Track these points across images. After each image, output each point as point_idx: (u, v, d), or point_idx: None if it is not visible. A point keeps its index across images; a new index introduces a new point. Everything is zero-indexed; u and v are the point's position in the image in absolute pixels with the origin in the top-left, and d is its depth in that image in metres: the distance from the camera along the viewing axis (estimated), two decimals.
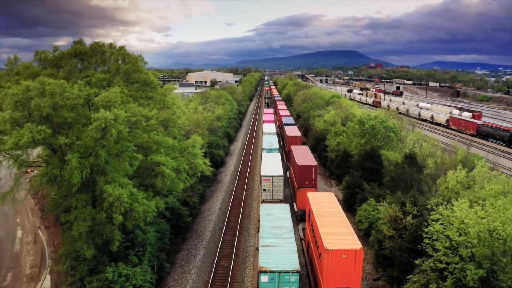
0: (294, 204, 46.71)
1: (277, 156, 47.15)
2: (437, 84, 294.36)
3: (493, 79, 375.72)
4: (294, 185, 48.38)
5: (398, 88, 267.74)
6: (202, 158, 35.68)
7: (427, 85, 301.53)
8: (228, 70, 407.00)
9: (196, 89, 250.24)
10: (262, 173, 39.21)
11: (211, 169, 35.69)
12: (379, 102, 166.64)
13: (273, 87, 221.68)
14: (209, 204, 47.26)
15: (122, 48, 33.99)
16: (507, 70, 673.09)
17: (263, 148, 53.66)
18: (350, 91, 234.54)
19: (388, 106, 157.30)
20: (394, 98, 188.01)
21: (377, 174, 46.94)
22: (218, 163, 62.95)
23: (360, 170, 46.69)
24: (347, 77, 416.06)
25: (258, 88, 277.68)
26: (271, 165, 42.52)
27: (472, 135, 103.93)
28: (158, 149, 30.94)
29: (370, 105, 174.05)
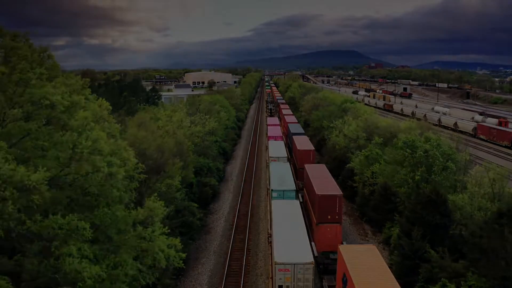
0: (313, 244, 31.05)
1: (296, 209, 29.84)
2: (445, 85, 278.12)
3: (496, 79, 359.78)
4: (312, 219, 33.89)
5: (405, 89, 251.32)
6: (169, 237, 19.17)
7: (435, 86, 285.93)
8: (227, 70, 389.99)
9: (193, 90, 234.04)
10: (275, 258, 22.05)
11: (183, 255, 19.29)
12: (391, 106, 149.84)
13: (274, 89, 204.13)
14: (189, 285, 30.14)
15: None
16: (507, 70, 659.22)
17: (271, 190, 35.09)
18: (355, 92, 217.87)
19: (402, 110, 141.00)
20: (405, 101, 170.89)
21: (443, 230, 30.70)
22: (208, 199, 46.39)
23: (420, 226, 30.17)
24: (349, 77, 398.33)
25: (258, 89, 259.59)
26: (288, 235, 25.04)
27: (507, 146, 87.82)
28: (69, 239, 14.57)
29: (380, 109, 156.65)
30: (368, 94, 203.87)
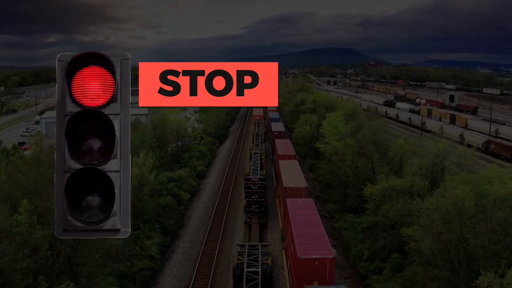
0: None
1: None
2: (495, 91, 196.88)
3: None
4: None
5: (452, 98, 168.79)
6: None
7: (481, 91, 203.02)
8: None
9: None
10: None
11: None
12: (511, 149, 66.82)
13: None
14: None
15: None
16: (509, 69, 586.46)
17: None
18: (390, 104, 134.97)
19: None
20: (502, 129, 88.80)
21: None
22: None
23: None
24: (359, 78, 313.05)
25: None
26: None
27: None
28: None
29: (470, 146, 69.14)
30: (416, 109, 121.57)
